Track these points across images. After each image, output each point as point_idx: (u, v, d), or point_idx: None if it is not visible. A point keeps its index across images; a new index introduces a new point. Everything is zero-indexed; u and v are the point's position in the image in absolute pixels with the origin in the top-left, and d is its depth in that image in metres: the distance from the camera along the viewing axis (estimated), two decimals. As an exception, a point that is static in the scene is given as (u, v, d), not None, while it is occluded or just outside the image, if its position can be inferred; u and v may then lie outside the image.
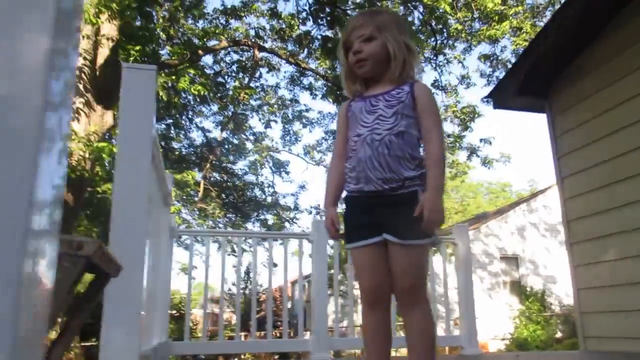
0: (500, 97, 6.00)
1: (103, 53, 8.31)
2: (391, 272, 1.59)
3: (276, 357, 8.09)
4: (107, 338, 1.75)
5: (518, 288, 17.49)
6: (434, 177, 1.59)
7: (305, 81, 12.77)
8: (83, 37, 7.68)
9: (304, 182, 21.97)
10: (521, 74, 5.53)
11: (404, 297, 1.61)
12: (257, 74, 12.69)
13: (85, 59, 7.79)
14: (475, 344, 4.72)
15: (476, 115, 10.81)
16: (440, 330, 4.87)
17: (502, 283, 17.89)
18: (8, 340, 0.50)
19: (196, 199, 12.98)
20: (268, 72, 12.92)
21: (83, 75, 8.21)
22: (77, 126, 8.14)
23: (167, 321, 3.93)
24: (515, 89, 5.51)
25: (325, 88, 11.87)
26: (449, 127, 11.32)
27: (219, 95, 12.37)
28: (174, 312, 12.31)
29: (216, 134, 13.92)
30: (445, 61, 10.40)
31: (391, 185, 1.59)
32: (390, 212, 1.59)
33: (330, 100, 12.09)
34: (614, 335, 4.53)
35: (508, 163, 12.42)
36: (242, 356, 9.38)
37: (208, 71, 11.44)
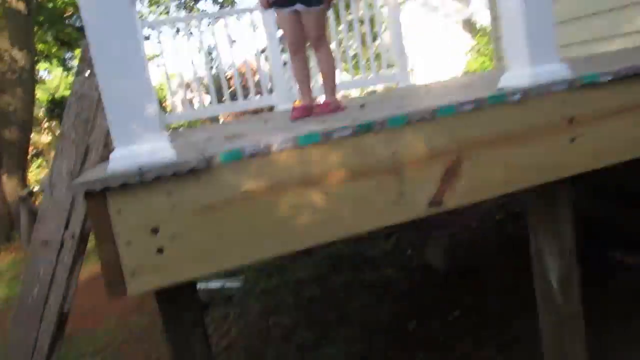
0: None
1: None
2: (304, 29, 2.46)
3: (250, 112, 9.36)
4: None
5: (469, 25, 18.40)
6: None
7: None
8: None
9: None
10: None
11: (313, 42, 2.53)
12: None
13: None
14: (408, 80, 5.80)
15: None
16: (381, 73, 5.90)
17: (455, 23, 18.70)
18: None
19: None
20: None
21: None
22: None
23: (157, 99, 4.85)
24: None
25: None
26: None
27: None
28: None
29: None
30: None
31: None
32: None
33: None
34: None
35: None
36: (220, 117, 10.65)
37: None
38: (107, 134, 2.00)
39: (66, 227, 1.87)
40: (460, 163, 1.61)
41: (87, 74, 1.89)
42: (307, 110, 2.44)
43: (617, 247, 3.17)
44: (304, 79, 2.57)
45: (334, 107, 2.44)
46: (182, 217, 1.38)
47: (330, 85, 2.53)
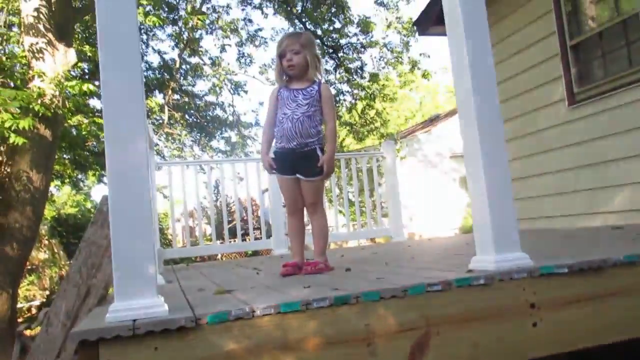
0: (423, 26, 6.97)
1: (56, -11, 8.68)
2: (302, 195, 2.74)
3: (249, 253, 9.54)
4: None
5: (465, 183, 19.31)
6: (330, 145, 2.74)
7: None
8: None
9: (262, 101, 22.62)
10: (438, 6, 6.47)
11: (310, 208, 2.81)
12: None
13: (41, -1, 8.23)
14: (402, 234, 6.07)
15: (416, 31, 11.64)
16: (374, 225, 6.19)
17: (452, 180, 19.66)
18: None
19: (161, 122, 13.77)
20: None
21: (41, 15, 8.60)
22: (43, 66, 8.66)
23: (158, 233, 5.07)
24: (436, 18, 6.47)
25: (275, 3, 12.25)
26: (395, 38, 12.06)
27: (171, 17, 12.73)
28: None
29: (173, 54, 14.41)
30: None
31: (301, 145, 2.70)
32: (300, 161, 2.72)
33: (283, 17, 12.75)
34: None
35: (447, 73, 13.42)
36: (218, 257, 10.74)
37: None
38: (109, 277, 2.16)
39: (53, 365, 1.96)
40: (429, 338, 1.74)
41: (100, 223, 2.11)
42: (297, 269, 2.63)
43: None
44: (297, 237, 2.80)
45: (321, 267, 2.63)
46: (164, 371, 1.49)
47: (320, 247, 2.74)
